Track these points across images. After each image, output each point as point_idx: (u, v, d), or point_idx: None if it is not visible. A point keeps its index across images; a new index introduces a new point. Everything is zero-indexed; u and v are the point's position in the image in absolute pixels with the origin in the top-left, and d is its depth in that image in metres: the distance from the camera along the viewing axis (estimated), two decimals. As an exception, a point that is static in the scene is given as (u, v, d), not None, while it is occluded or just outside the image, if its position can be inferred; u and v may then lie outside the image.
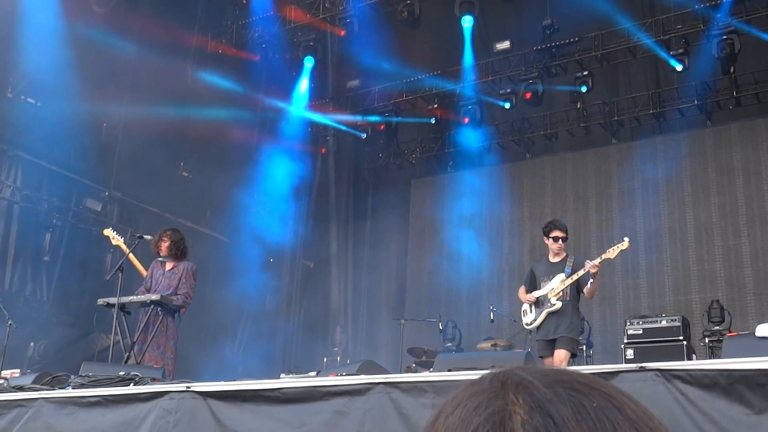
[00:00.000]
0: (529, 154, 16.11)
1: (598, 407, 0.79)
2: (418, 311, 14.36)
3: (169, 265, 8.68)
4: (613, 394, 0.82)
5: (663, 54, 13.68)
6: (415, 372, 10.16)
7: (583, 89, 14.21)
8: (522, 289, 8.45)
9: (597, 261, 7.77)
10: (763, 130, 13.87)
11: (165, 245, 8.67)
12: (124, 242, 9.16)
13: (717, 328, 11.79)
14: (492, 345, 11.35)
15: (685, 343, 10.53)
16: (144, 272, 8.85)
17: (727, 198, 13.85)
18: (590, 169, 15.30)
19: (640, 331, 10.82)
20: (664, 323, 10.80)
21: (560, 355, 7.82)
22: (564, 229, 8.32)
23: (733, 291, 13.26)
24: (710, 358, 10.90)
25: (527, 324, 8.35)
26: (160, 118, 12.85)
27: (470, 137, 15.80)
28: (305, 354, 15.18)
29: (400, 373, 9.16)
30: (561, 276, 8.07)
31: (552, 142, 15.76)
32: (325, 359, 14.37)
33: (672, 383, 4.05)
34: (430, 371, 5.80)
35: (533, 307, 8.23)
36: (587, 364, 12.25)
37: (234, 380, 6.18)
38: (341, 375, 5.66)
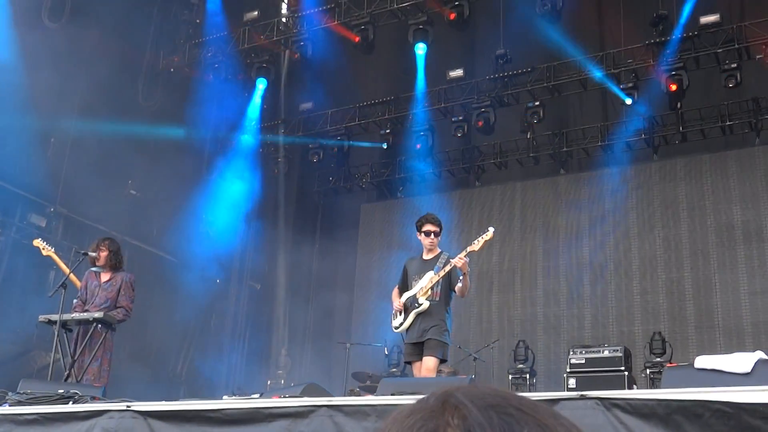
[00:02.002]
0: (478, 182, 16.27)
1: None
2: (364, 336, 14.35)
3: (105, 276, 8.50)
4: (548, 421, 0.83)
5: (613, 87, 13.97)
6: (359, 396, 10.13)
7: (534, 120, 14.40)
8: (395, 290, 7.97)
9: (462, 254, 7.31)
10: (707, 165, 14.18)
11: (104, 255, 8.49)
12: (66, 261, 9.02)
13: (658, 359, 11.98)
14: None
15: (626, 373, 10.69)
16: (78, 284, 8.70)
17: (672, 231, 14.12)
18: (539, 198, 15.49)
19: (583, 361, 10.94)
20: (606, 353, 10.95)
21: (428, 364, 7.32)
22: (437, 224, 7.78)
23: (675, 323, 13.48)
24: (651, 388, 11.05)
25: (396, 327, 7.82)
26: (110, 135, 12.73)
27: (421, 163, 15.90)
28: (249, 376, 15.05)
29: (344, 396, 9.13)
30: (431, 274, 7.57)
31: (502, 171, 15.93)
32: (269, 382, 14.29)
33: (611, 412, 4.10)
34: (374, 395, 5.80)
35: (402, 311, 7.74)
36: (530, 391, 12.35)
37: (176, 400, 6.11)
38: (285, 397, 5.64)
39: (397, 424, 0.86)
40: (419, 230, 7.81)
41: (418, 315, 7.55)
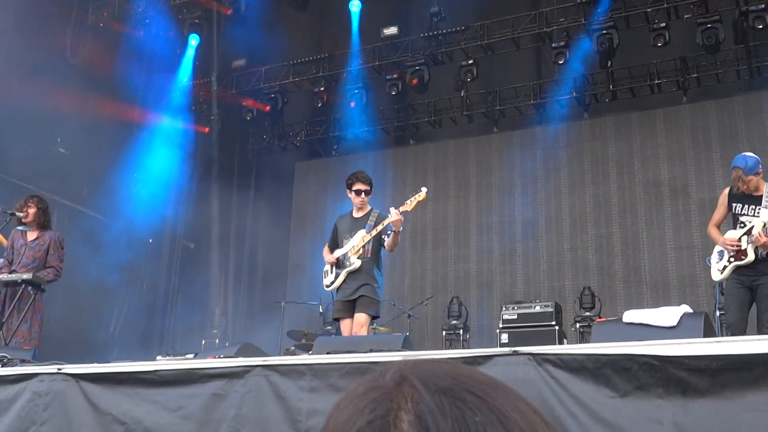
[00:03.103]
0: (412, 140, 16.28)
1: (480, 422, 0.78)
2: (299, 294, 14.33)
3: (32, 235, 8.29)
4: (501, 406, 0.81)
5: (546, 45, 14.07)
6: (294, 355, 10.14)
7: (468, 78, 14.42)
8: (325, 248, 7.97)
9: (396, 215, 7.26)
10: (636, 123, 14.41)
11: (32, 212, 8.27)
12: None
13: (588, 314, 12.24)
14: (372, 329, 11.43)
15: (557, 328, 10.91)
16: (5, 243, 8.47)
17: (601, 189, 14.35)
18: (472, 157, 15.57)
19: (515, 316, 11.13)
20: (537, 309, 11.15)
21: (360, 320, 7.37)
22: (368, 182, 7.79)
23: (604, 278, 13.77)
24: (580, 342, 11.29)
25: (327, 286, 7.82)
26: (37, 91, 12.34)
27: (355, 121, 15.83)
28: (183, 336, 14.94)
29: (279, 356, 9.13)
30: (362, 232, 7.60)
31: (436, 129, 15.97)
32: (203, 342, 14.19)
33: (543, 367, 4.16)
34: (309, 354, 5.80)
35: (333, 268, 7.73)
36: (463, 347, 12.52)
37: (108, 362, 6.03)
38: (219, 357, 5.61)
39: (351, 405, 0.84)
40: (350, 188, 7.81)
41: (350, 273, 7.57)
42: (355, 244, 7.59)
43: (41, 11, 12.71)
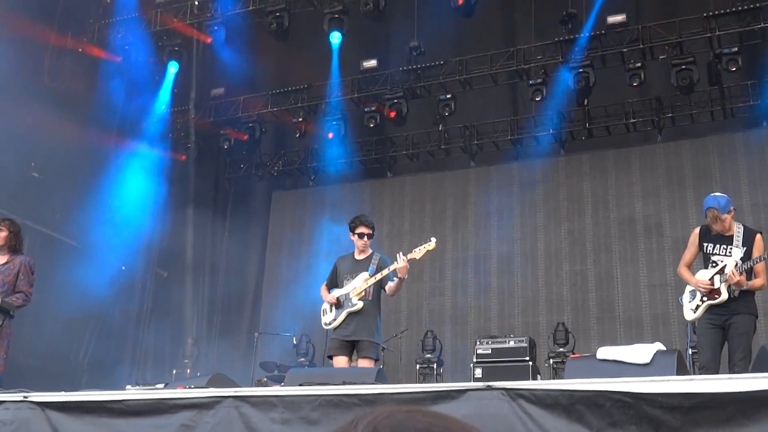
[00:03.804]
0: (390, 173, 16.31)
1: None
2: (273, 325, 14.24)
3: (2, 259, 8.14)
4: None
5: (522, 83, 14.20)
6: (266, 386, 10.06)
7: (446, 112, 14.50)
8: (323, 287, 8.10)
9: (404, 261, 7.45)
10: (611, 161, 14.54)
11: (3, 235, 8.12)
12: None
13: (561, 349, 12.25)
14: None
15: (530, 363, 10.90)
16: None
17: (576, 225, 14.43)
18: (449, 190, 15.63)
19: (489, 351, 11.11)
20: (512, 344, 11.14)
21: (365, 365, 7.52)
22: (370, 226, 8.01)
23: (578, 315, 13.79)
24: (554, 378, 11.29)
25: (326, 324, 7.94)
26: (12, 115, 12.25)
27: (333, 152, 15.85)
28: (154, 366, 14.77)
29: (251, 387, 9.05)
30: (365, 275, 7.76)
31: (413, 162, 16.01)
32: (174, 371, 14.04)
33: (516, 402, 4.15)
34: (281, 385, 5.75)
35: (333, 307, 7.86)
36: (436, 381, 12.47)
37: (76, 391, 5.94)
38: (190, 387, 5.54)
39: None
40: (353, 231, 8.01)
41: (351, 314, 7.71)
42: (356, 286, 7.74)
43: (19, 34, 12.64)
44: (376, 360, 7.75)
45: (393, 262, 7.55)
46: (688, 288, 7.36)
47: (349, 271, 7.93)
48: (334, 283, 8.04)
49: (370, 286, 7.73)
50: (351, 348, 7.70)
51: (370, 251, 8.02)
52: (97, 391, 5.71)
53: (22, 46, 12.76)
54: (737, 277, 6.85)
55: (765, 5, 12.16)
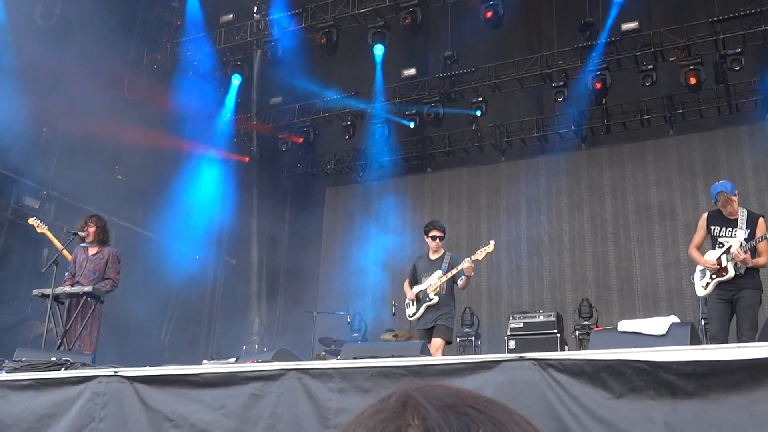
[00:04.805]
0: (430, 169, 16.28)
1: None
2: (329, 305, 14.32)
3: (92, 251, 8.30)
4: (501, 419, 0.79)
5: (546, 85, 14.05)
6: (324, 359, 10.12)
7: (478, 113, 14.44)
8: (406, 283, 8.52)
9: (468, 263, 7.84)
10: (628, 153, 14.36)
11: (92, 231, 8.28)
12: (58, 238, 8.81)
13: (586, 323, 12.14)
14: (393, 336, 11.40)
15: (558, 335, 10.82)
16: (69, 257, 8.51)
17: (597, 211, 14.29)
18: (482, 183, 15.56)
19: (521, 325, 11.05)
20: (541, 318, 11.07)
21: (436, 344, 7.90)
22: (442, 229, 8.35)
23: (601, 291, 13.66)
24: (580, 349, 11.20)
25: (410, 316, 8.38)
26: (97, 126, 12.45)
27: (378, 151, 15.88)
28: (226, 342, 14.94)
29: (311, 360, 9.11)
30: (438, 273, 8.13)
31: (450, 159, 15.97)
32: (244, 347, 14.18)
33: (546, 371, 4.14)
34: (338, 359, 5.79)
35: (414, 302, 8.30)
36: (475, 353, 12.44)
37: (159, 366, 6.04)
38: (258, 362, 5.60)
39: (360, 425, 0.81)
40: (427, 234, 8.39)
41: (429, 307, 8.14)
42: (432, 283, 8.15)
43: (101, 53, 12.83)
44: (448, 342, 8.13)
45: (462, 260, 7.92)
46: (699, 267, 7.31)
47: (426, 269, 8.29)
48: (414, 279, 8.42)
49: (443, 282, 8.08)
50: (431, 335, 8.05)
51: (442, 251, 8.33)
52: (177, 365, 5.79)
53: (104, 63, 12.96)
54: (742, 255, 6.81)
55: (766, 9, 11.92)
